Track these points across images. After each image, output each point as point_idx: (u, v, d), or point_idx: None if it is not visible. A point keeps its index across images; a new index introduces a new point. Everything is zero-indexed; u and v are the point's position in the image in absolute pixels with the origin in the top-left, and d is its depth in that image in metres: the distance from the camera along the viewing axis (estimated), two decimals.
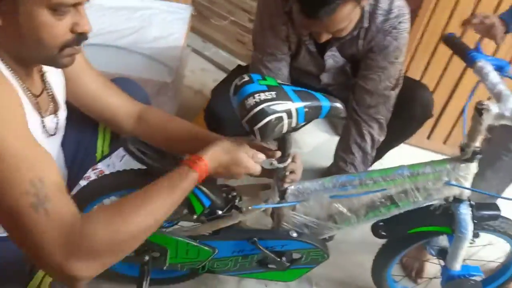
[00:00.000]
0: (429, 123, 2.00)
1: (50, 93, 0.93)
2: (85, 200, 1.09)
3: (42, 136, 0.90)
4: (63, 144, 1.07)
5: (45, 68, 0.92)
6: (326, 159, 1.88)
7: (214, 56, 2.35)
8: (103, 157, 1.23)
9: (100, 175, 1.42)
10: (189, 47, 1.99)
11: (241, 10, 2.25)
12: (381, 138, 1.40)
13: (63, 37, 0.76)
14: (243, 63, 1.84)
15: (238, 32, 2.32)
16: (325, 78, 1.44)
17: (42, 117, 0.89)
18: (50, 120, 0.93)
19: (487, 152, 1.34)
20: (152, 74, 1.69)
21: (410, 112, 1.40)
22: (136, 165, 1.04)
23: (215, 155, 0.90)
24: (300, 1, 1.07)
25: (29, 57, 0.79)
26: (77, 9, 0.76)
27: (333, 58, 1.36)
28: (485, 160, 1.34)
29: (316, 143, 2.02)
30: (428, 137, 2.07)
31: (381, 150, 1.54)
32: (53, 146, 0.99)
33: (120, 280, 1.32)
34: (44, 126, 0.90)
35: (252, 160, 0.93)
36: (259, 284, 1.43)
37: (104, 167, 1.52)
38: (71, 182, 1.15)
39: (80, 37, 0.79)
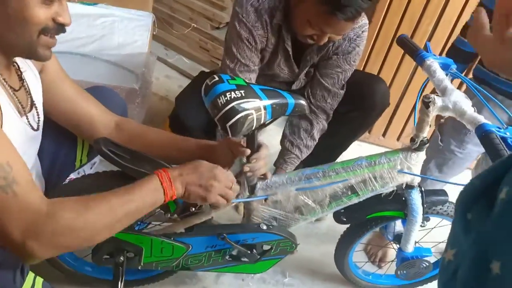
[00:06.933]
0: (384, 122, 2.14)
1: (28, 91, 0.95)
2: None
3: (27, 131, 0.93)
4: (41, 154, 1.08)
5: (23, 68, 0.95)
6: None
7: (178, 63, 2.39)
8: (81, 166, 1.24)
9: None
10: (154, 54, 2.02)
11: (203, 18, 2.30)
12: (326, 126, 1.52)
13: (45, 22, 0.82)
14: (206, 70, 1.90)
15: (201, 40, 2.37)
16: (294, 86, 1.52)
17: (25, 113, 0.92)
18: (32, 116, 0.95)
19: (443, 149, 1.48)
20: (119, 80, 1.70)
21: (371, 102, 1.51)
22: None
23: (181, 168, 0.95)
24: (330, 2, 1.14)
25: (10, 42, 0.82)
26: (61, 2, 0.83)
27: (305, 71, 1.46)
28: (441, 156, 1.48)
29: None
30: (383, 135, 2.21)
31: (347, 141, 1.65)
32: (37, 141, 1.01)
33: (96, 284, 1.33)
34: (28, 122, 0.93)
35: (227, 189, 0.97)
36: (236, 279, 1.48)
37: (75, 175, 1.52)
38: (48, 191, 1.14)
39: (59, 28, 0.85)
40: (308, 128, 1.48)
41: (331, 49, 1.39)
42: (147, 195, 0.89)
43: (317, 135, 1.50)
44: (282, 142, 1.55)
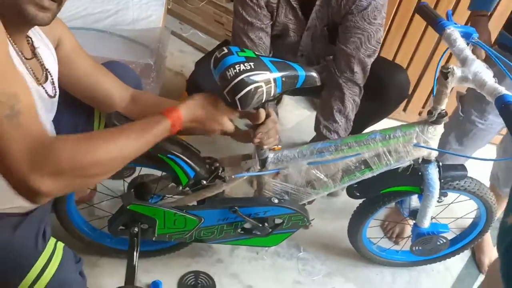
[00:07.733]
0: None
1: (42, 63, 0.95)
2: None
3: (43, 97, 0.93)
4: (58, 127, 1.09)
5: (36, 43, 0.95)
6: (308, 134, 1.94)
7: (192, 38, 2.37)
8: None
9: None
10: (168, 29, 2.00)
11: None
12: (359, 101, 1.44)
13: None
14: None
15: (216, 13, 2.33)
16: (305, 37, 1.46)
17: (40, 82, 0.92)
18: (48, 84, 0.96)
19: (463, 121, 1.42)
20: (134, 56, 1.70)
21: (388, 94, 1.46)
22: None
23: (191, 108, 0.94)
24: None
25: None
26: None
27: (316, 13, 1.38)
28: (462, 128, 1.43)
29: (297, 119, 2.08)
30: (404, 110, 2.15)
31: (359, 128, 1.59)
32: (52, 109, 1.01)
33: (114, 254, 1.37)
34: (44, 89, 0.93)
35: (226, 118, 0.97)
36: (250, 251, 1.50)
37: None
38: None
39: None
40: (341, 108, 1.40)
41: (342, 2, 1.31)
42: (155, 137, 0.88)
43: (352, 114, 1.42)
44: (317, 128, 1.47)
